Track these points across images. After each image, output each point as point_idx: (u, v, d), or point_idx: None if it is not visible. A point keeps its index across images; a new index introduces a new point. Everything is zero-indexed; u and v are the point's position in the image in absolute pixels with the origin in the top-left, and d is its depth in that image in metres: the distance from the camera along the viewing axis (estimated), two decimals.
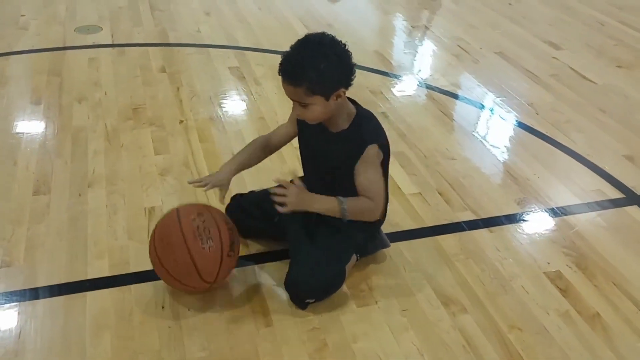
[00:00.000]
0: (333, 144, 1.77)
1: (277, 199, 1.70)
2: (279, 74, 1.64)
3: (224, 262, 1.72)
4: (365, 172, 1.73)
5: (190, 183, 1.92)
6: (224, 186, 1.87)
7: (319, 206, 1.75)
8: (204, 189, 1.85)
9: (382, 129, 1.81)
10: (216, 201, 1.91)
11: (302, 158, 1.95)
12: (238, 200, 2.06)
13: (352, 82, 1.68)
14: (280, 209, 1.70)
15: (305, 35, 1.67)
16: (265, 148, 1.96)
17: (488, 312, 1.82)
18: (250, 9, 4.15)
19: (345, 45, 1.65)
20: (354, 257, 1.91)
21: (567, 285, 1.93)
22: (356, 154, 1.72)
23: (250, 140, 1.99)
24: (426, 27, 4.07)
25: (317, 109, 1.65)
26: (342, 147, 1.74)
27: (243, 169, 1.93)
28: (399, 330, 1.75)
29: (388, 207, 1.90)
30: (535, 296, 1.88)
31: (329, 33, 1.67)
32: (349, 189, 1.75)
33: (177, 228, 1.70)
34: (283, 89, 1.66)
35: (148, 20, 3.90)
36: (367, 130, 1.75)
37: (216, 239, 1.69)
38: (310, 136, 1.85)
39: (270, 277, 1.92)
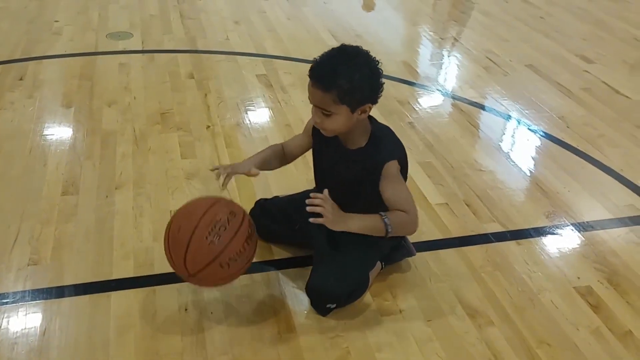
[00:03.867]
0: (350, 162, 1.74)
1: (314, 209, 1.59)
2: (309, 77, 1.61)
3: (212, 266, 1.62)
4: (393, 189, 1.70)
5: (212, 170, 1.85)
6: (240, 171, 1.80)
7: (357, 224, 1.65)
8: (223, 177, 1.78)
9: (399, 142, 1.78)
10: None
11: (315, 171, 1.92)
12: (262, 205, 2.05)
13: (378, 100, 1.67)
14: (315, 220, 1.59)
15: (342, 44, 1.66)
16: (281, 157, 1.93)
17: (516, 325, 1.77)
18: (279, 19, 4.18)
19: (378, 62, 1.64)
20: (378, 265, 1.89)
21: (598, 301, 1.88)
22: (374, 172, 1.69)
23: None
24: (455, 39, 4.05)
25: (340, 120, 1.63)
26: (360, 165, 1.72)
27: (263, 169, 1.85)
28: (424, 340, 1.72)
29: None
30: (565, 311, 1.83)
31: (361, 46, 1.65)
32: (363, 205, 1.71)
33: (205, 205, 1.66)
34: (309, 94, 1.64)
35: (178, 27, 3.95)
36: (385, 147, 1.72)
37: (221, 242, 1.61)
38: (326, 151, 1.83)
39: (293, 283, 1.90)
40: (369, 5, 4.73)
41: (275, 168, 1.94)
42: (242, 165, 1.83)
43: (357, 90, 1.59)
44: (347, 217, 1.65)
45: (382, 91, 1.66)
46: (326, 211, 1.58)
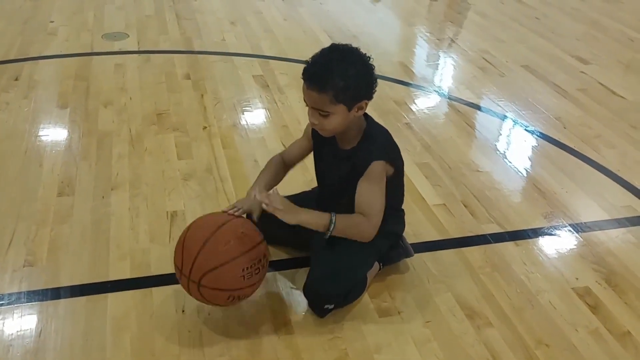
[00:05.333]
0: (342, 162, 1.74)
1: (267, 208, 1.61)
2: (303, 79, 1.60)
3: (223, 293, 1.62)
4: (365, 188, 1.67)
5: (224, 212, 1.78)
6: (255, 210, 1.77)
7: (305, 217, 1.64)
8: (236, 213, 1.74)
9: (393, 144, 1.77)
10: None
11: (316, 172, 1.91)
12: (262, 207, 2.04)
13: (373, 96, 1.66)
14: (269, 209, 1.60)
15: (332, 44, 1.65)
16: (282, 167, 1.91)
17: (514, 326, 1.77)
18: (275, 19, 4.18)
19: (370, 57, 1.63)
20: (376, 265, 1.89)
21: (597, 301, 1.87)
22: (362, 171, 1.68)
23: (270, 157, 1.95)
24: (451, 40, 4.05)
25: (337, 119, 1.61)
26: (351, 164, 1.71)
27: (269, 190, 1.83)
28: (422, 341, 1.71)
29: (408, 218, 1.86)
30: (563, 312, 1.83)
31: (354, 45, 1.64)
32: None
33: (258, 237, 1.68)
34: (304, 96, 1.62)
35: (174, 28, 3.94)
36: (375, 147, 1.70)
37: (249, 281, 1.62)
38: (323, 152, 1.82)
39: (291, 284, 1.89)
40: None
41: (280, 181, 1.91)
42: (251, 198, 1.77)
43: (353, 88, 1.58)
44: (299, 210, 1.64)
45: (376, 86, 1.65)
46: (277, 204, 1.59)
